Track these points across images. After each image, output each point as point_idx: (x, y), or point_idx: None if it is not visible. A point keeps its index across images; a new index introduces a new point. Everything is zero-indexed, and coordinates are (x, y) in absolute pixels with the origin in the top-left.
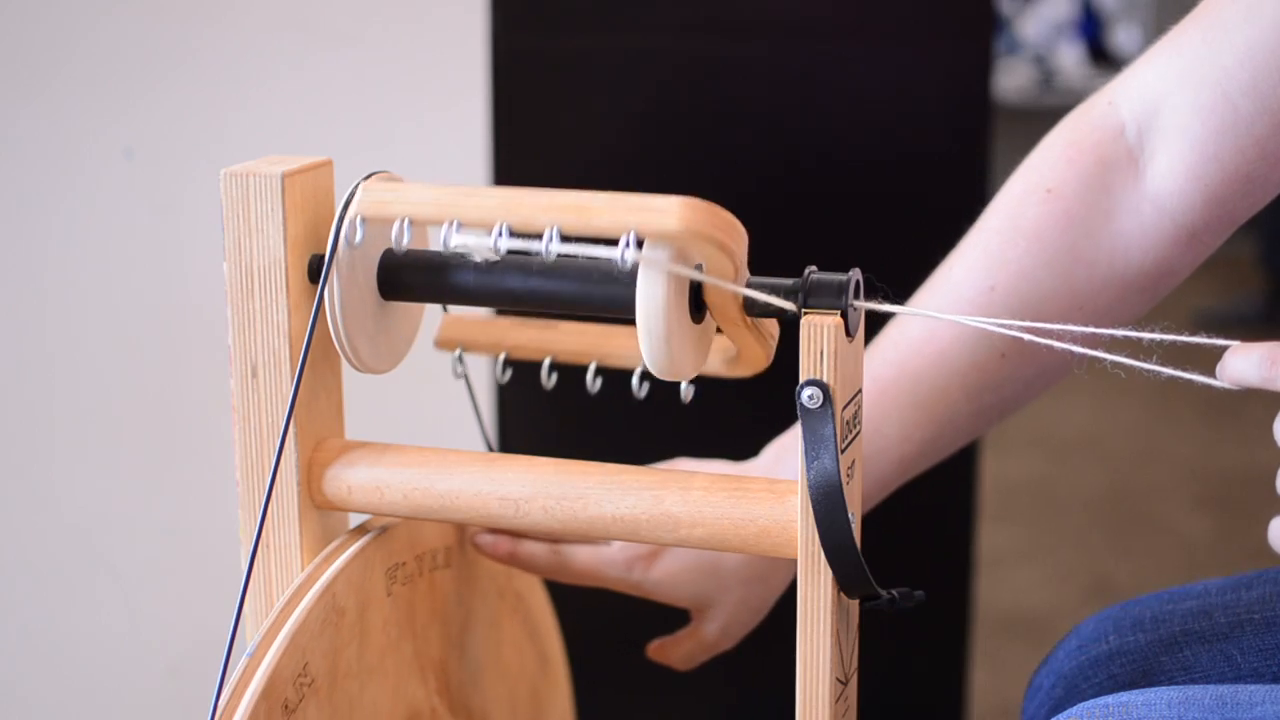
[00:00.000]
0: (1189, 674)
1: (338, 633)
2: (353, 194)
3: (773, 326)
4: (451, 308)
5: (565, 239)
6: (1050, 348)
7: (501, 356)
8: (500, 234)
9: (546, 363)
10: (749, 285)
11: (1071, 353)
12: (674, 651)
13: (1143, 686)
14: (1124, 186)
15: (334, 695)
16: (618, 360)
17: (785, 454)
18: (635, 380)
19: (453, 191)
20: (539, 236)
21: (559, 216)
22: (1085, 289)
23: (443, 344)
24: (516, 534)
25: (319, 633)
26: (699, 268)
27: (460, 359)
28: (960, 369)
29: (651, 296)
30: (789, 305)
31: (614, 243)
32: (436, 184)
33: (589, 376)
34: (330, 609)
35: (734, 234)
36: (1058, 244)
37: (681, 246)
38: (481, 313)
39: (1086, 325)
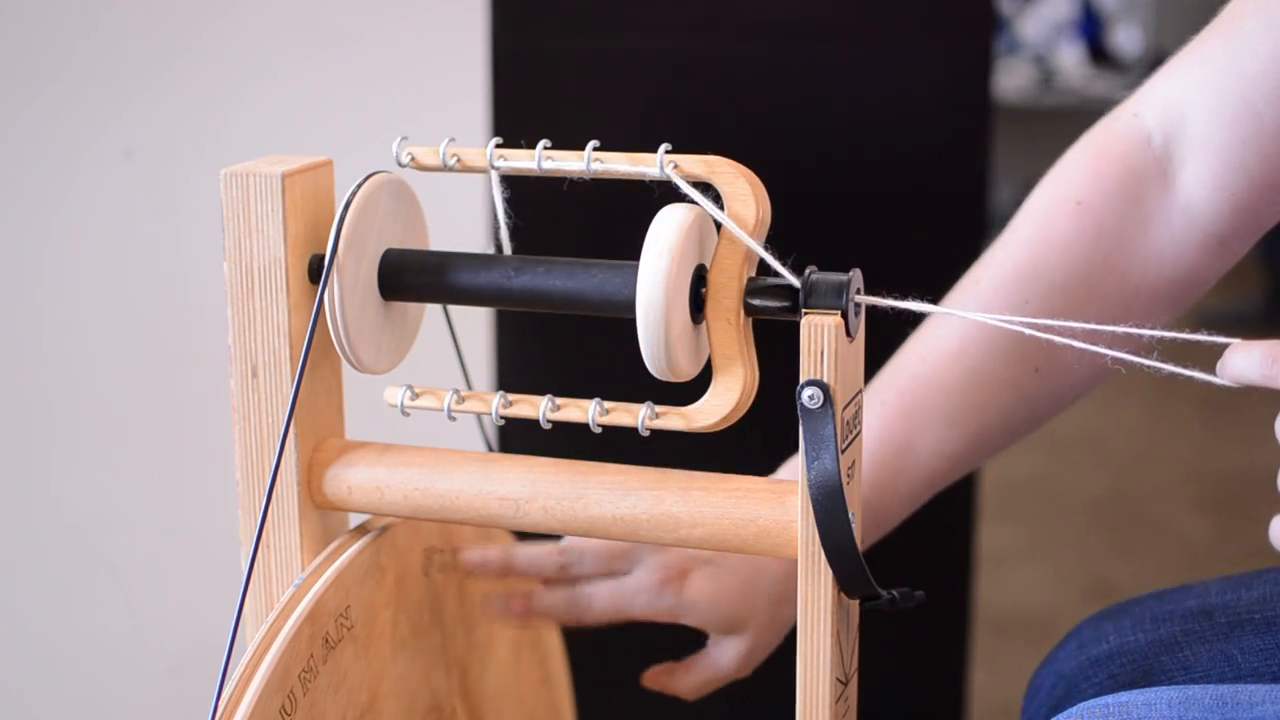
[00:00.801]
0: (1189, 674)
1: (379, 588)
2: (353, 194)
3: (754, 365)
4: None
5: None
6: (1080, 360)
7: (451, 393)
8: (542, 155)
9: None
10: (749, 285)
11: (1098, 364)
12: (683, 681)
13: (1143, 686)
14: (1155, 197)
15: (369, 650)
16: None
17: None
18: (591, 417)
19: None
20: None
21: (596, 152)
22: (1117, 300)
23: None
24: (528, 578)
25: (362, 580)
26: (701, 268)
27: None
28: (995, 386)
29: (654, 287)
30: (793, 280)
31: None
32: None
33: (539, 415)
34: (374, 562)
35: (760, 187)
36: (1091, 256)
37: (692, 229)
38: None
39: (1116, 336)
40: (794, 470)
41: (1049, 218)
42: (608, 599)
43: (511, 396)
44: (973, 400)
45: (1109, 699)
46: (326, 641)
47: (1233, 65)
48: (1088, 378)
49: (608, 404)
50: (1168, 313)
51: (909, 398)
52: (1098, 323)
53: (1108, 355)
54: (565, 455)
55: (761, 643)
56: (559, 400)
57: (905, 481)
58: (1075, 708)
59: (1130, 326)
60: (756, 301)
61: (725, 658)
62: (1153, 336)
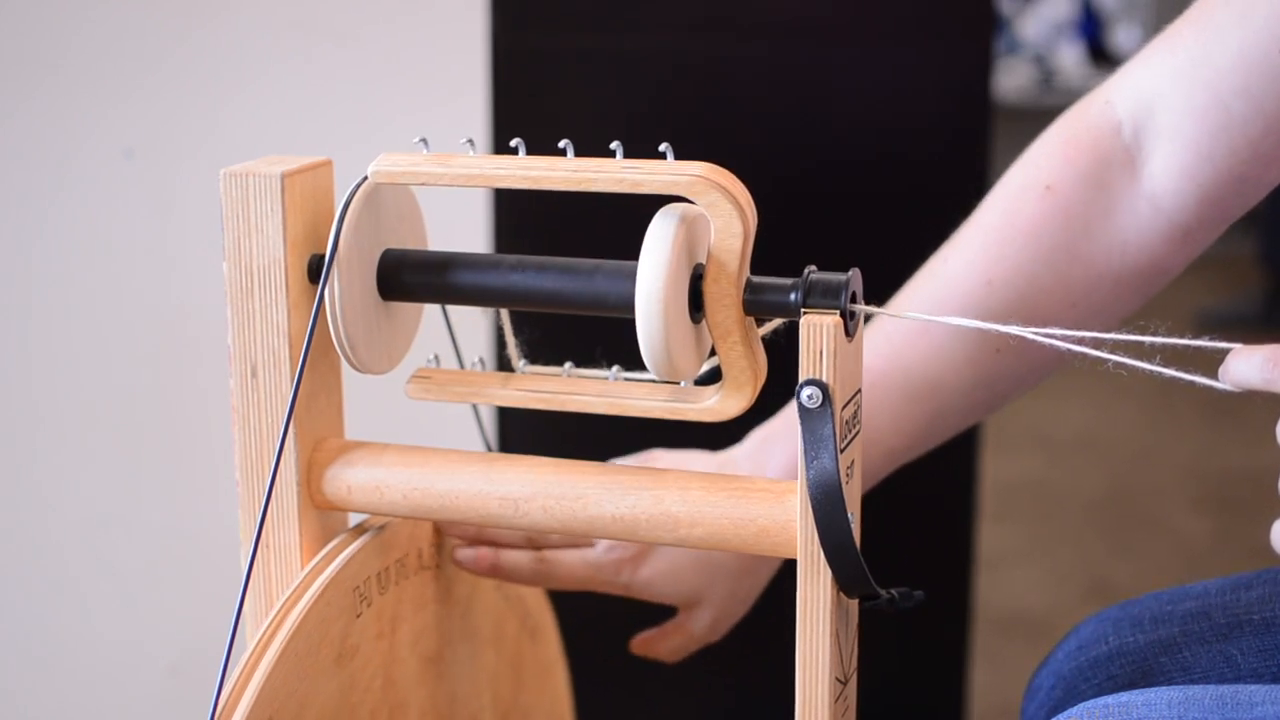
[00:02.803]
0: (1188, 674)
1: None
2: (353, 194)
3: (762, 356)
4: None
5: None
6: (1043, 345)
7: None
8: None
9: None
10: (749, 285)
11: (1066, 349)
12: (661, 645)
13: (1142, 687)
14: (1122, 185)
15: (447, 603)
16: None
17: (767, 443)
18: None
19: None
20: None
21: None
22: (1080, 286)
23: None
24: (496, 543)
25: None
26: (699, 267)
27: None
28: (955, 364)
29: (653, 287)
30: (790, 297)
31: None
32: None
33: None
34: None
35: (745, 197)
36: (1055, 241)
37: (690, 229)
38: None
39: (1079, 321)
40: (762, 438)
41: (1018, 201)
42: (569, 568)
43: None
44: (932, 377)
45: (1109, 699)
46: (420, 557)
47: (1203, 57)
48: (1052, 361)
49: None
50: (1132, 300)
51: (873, 375)
52: (1060, 306)
53: (1078, 351)
54: (564, 455)
55: (726, 612)
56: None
57: (865, 456)
58: (1075, 708)
59: (1107, 318)
60: (756, 301)
61: (693, 625)
62: (1154, 342)
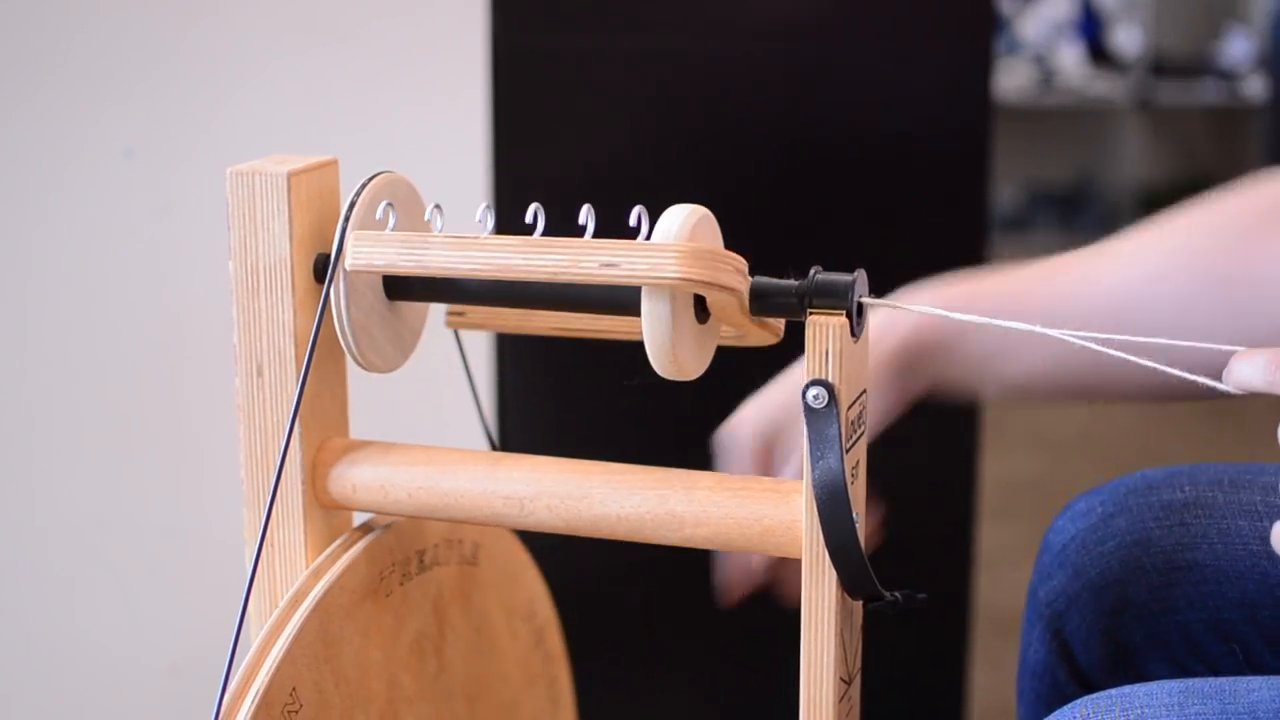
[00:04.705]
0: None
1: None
2: (358, 194)
3: (775, 323)
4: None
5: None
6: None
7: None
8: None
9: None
10: (754, 287)
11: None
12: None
13: (1214, 538)
14: None
15: (453, 597)
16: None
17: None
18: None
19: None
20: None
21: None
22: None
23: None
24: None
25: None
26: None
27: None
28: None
29: (657, 307)
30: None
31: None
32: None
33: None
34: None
35: (734, 274)
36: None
37: (696, 230)
38: None
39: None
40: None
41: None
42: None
43: None
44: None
45: (1111, 692)
46: (425, 557)
47: None
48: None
49: None
50: None
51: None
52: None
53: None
54: (565, 454)
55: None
56: None
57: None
58: (1077, 701)
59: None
60: (761, 303)
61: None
62: (1158, 344)
